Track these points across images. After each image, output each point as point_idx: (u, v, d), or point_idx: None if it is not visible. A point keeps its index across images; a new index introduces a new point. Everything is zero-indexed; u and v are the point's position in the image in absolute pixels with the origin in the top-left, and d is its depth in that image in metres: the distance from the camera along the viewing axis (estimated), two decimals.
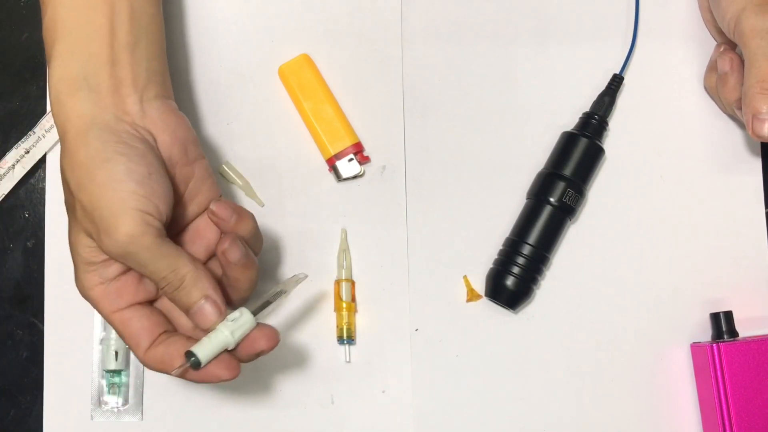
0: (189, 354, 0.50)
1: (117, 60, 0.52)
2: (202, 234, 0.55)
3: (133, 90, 0.52)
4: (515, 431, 0.63)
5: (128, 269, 0.52)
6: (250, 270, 0.53)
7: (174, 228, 0.54)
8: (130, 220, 0.48)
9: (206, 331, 0.51)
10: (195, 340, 0.52)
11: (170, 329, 0.53)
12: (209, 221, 0.55)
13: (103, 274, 0.52)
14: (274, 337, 0.52)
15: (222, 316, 0.51)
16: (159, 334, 0.52)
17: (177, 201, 0.53)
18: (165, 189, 0.51)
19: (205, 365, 0.51)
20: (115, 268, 0.52)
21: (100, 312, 0.52)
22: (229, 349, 0.51)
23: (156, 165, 0.51)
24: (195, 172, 0.54)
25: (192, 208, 0.55)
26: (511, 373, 0.63)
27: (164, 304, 0.54)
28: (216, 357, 0.51)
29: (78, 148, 0.50)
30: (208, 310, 0.50)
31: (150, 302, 0.54)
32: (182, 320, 0.54)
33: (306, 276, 0.56)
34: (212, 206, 0.53)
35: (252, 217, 0.54)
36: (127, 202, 0.49)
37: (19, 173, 0.63)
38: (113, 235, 0.48)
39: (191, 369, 0.51)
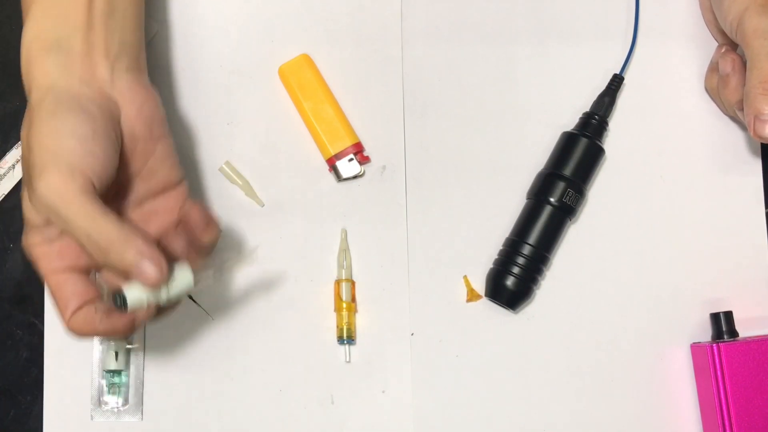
0: (118, 295, 0.49)
1: (92, 25, 0.52)
2: (158, 216, 0.55)
3: (105, 58, 0.52)
4: (515, 431, 0.63)
5: (62, 234, 0.51)
6: (212, 231, 0.53)
7: (127, 204, 0.54)
8: (57, 171, 0.47)
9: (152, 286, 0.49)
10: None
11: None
12: (167, 204, 0.55)
13: (44, 233, 0.51)
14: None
15: (164, 274, 0.48)
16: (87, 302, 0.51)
17: (133, 175, 0.53)
18: (107, 155, 0.49)
19: (131, 310, 0.49)
20: (53, 230, 0.51)
21: (38, 271, 0.51)
22: (160, 304, 0.50)
23: (104, 130, 0.50)
24: (156, 150, 0.54)
25: (149, 185, 0.54)
26: (511, 373, 0.63)
27: (107, 274, 0.53)
28: (142, 307, 0.49)
29: (35, 105, 0.50)
30: (147, 268, 0.47)
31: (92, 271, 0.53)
32: None
33: (256, 249, 0.54)
34: (189, 208, 0.53)
35: (218, 231, 0.54)
36: (60, 155, 0.48)
37: (19, 173, 0.63)
38: (36, 185, 0.47)
39: (116, 307, 0.49)
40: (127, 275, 0.48)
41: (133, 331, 0.51)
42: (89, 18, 0.52)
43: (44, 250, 0.51)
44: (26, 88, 0.51)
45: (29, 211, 0.50)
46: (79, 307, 0.50)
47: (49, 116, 0.49)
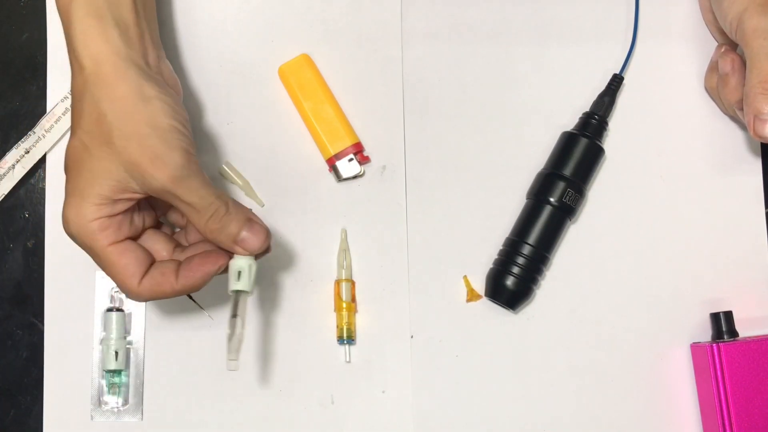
0: (236, 292, 0.53)
1: (137, 12, 0.54)
2: None
3: (152, 45, 0.55)
4: (515, 431, 0.63)
5: (126, 209, 0.53)
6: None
7: None
8: (180, 148, 0.51)
9: (254, 253, 0.53)
10: (179, 261, 0.54)
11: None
12: None
13: (107, 209, 0.52)
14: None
15: (269, 239, 0.54)
16: (148, 266, 0.54)
17: None
18: (193, 137, 0.54)
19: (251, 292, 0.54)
20: (121, 206, 0.53)
21: (93, 245, 0.52)
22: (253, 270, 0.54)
23: (186, 113, 0.54)
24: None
25: None
26: (511, 373, 0.63)
27: (145, 242, 0.56)
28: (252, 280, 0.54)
29: (117, 82, 0.51)
30: (258, 227, 0.53)
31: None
32: (162, 256, 0.55)
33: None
34: None
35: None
36: (174, 134, 0.51)
37: (19, 173, 0.63)
38: (168, 160, 0.51)
39: (242, 295, 0.54)
40: (234, 236, 0.52)
41: (208, 280, 0.54)
42: (134, 5, 0.53)
43: (103, 223, 0.52)
44: (88, 61, 0.51)
45: (110, 187, 0.52)
46: (146, 272, 0.53)
47: (146, 99, 0.51)
